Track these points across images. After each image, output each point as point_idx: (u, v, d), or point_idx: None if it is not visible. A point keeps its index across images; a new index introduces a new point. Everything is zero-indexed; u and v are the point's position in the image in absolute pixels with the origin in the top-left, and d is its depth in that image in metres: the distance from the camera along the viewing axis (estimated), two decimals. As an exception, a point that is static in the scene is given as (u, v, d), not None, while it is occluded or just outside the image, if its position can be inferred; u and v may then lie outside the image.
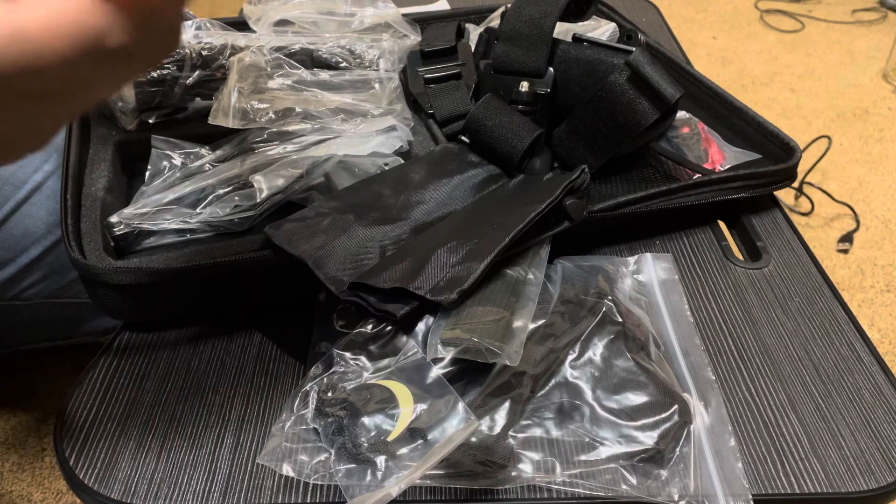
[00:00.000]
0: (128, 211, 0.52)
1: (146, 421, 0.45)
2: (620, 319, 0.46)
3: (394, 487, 0.37)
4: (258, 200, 0.53)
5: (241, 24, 0.69)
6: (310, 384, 0.42)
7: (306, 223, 0.49)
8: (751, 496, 0.40)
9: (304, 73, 0.61)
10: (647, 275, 0.52)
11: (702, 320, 0.51)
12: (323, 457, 0.40)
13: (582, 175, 0.50)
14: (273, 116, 0.58)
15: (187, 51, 0.61)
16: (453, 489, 0.40)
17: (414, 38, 0.68)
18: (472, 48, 0.65)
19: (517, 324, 0.42)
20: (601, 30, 0.75)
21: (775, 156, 0.61)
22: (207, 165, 0.57)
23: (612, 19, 0.80)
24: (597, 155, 0.57)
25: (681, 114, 0.65)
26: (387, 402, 0.40)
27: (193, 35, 0.62)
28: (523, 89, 0.57)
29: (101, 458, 0.43)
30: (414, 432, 0.39)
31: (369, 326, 0.44)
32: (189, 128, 0.61)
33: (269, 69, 0.60)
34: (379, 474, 0.38)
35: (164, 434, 0.44)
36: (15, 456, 1.01)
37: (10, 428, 1.03)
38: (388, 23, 0.69)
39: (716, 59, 1.98)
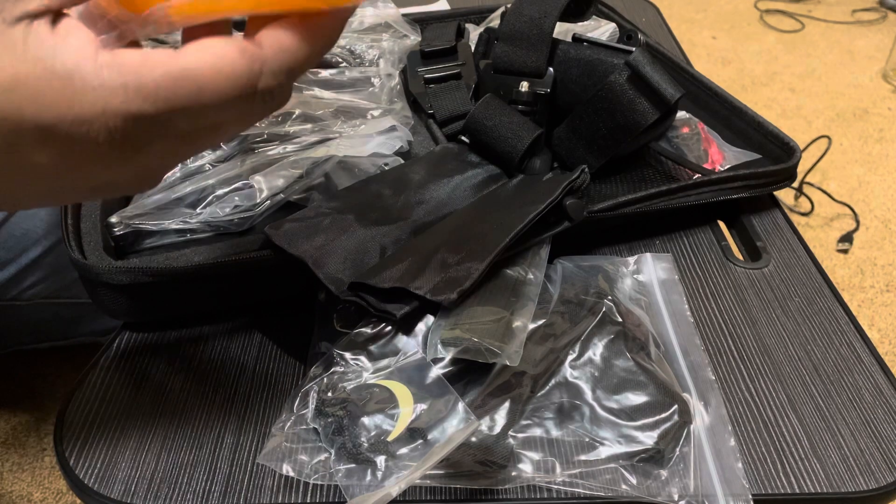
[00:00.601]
0: (128, 211, 0.52)
1: (146, 421, 0.45)
2: (620, 319, 0.46)
3: (394, 487, 0.37)
4: (258, 200, 0.53)
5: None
6: (310, 384, 0.42)
7: (306, 223, 0.49)
8: (751, 496, 0.40)
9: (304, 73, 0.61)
10: (647, 275, 0.52)
11: (702, 320, 0.51)
12: (323, 457, 0.40)
13: (582, 175, 0.50)
14: (273, 119, 0.58)
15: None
16: (453, 489, 0.40)
17: (414, 38, 0.68)
18: (472, 48, 0.65)
19: (517, 324, 0.42)
20: (601, 30, 0.75)
21: (775, 156, 0.61)
22: (207, 165, 0.57)
23: (612, 19, 0.80)
24: (597, 155, 0.57)
25: (681, 114, 0.65)
26: (387, 402, 0.40)
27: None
28: (523, 89, 0.57)
29: (101, 458, 0.43)
30: (414, 432, 0.39)
31: (369, 326, 0.44)
32: (189, 128, 0.61)
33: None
34: (379, 474, 0.38)
35: (164, 434, 0.44)
36: (15, 456, 1.01)
37: (10, 428, 1.03)
38: (388, 23, 0.69)
39: (716, 59, 1.98)
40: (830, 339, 0.49)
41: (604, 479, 0.41)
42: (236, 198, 0.53)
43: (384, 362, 0.42)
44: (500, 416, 0.42)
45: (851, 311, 0.52)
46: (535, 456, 0.41)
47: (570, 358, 0.44)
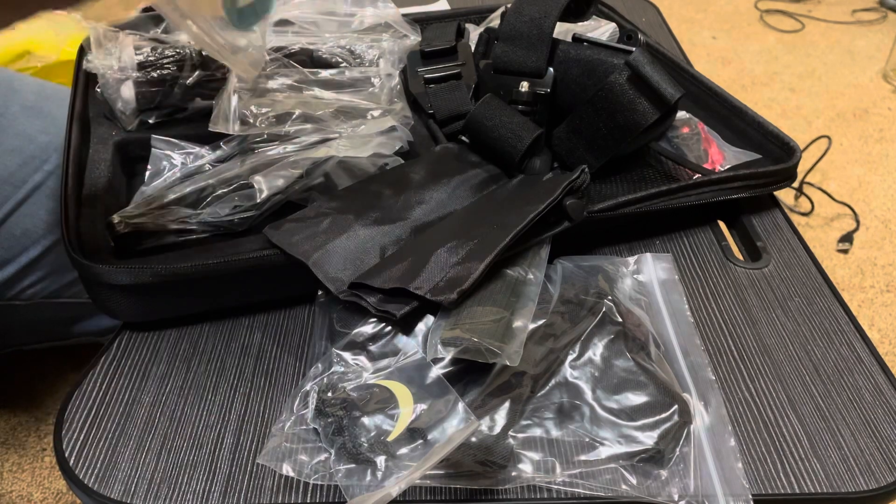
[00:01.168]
0: (128, 211, 0.52)
1: (146, 421, 0.45)
2: (620, 319, 0.46)
3: (394, 487, 0.37)
4: (258, 200, 0.53)
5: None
6: (310, 384, 0.42)
7: (306, 223, 0.49)
8: (751, 496, 0.40)
9: (304, 73, 0.61)
10: (647, 275, 0.52)
11: (702, 320, 0.51)
12: (323, 457, 0.40)
13: (582, 175, 0.50)
14: (273, 120, 0.58)
15: (187, 51, 0.61)
16: (453, 489, 0.40)
17: (414, 38, 0.68)
18: (472, 48, 0.65)
19: (517, 324, 0.42)
20: (601, 30, 0.75)
21: (775, 156, 0.61)
22: (207, 165, 0.57)
23: (612, 19, 0.80)
24: (597, 155, 0.57)
25: (681, 114, 0.65)
26: (387, 402, 0.40)
27: (193, 35, 0.62)
28: (523, 89, 0.57)
29: (101, 458, 0.43)
30: (414, 432, 0.39)
31: (369, 326, 0.44)
32: (189, 128, 0.61)
33: (268, 70, 0.60)
34: (379, 474, 0.38)
35: (164, 434, 0.44)
36: (15, 456, 1.01)
37: (10, 428, 1.03)
38: (388, 23, 0.69)
39: (716, 59, 1.98)
40: (830, 339, 0.49)
41: (604, 479, 0.41)
42: (236, 198, 0.53)
43: (384, 362, 0.42)
44: (500, 416, 0.42)
45: (851, 311, 0.52)
46: (535, 456, 0.41)
47: (570, 358, 0.44)
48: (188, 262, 0.47)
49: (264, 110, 0.58)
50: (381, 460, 0.38)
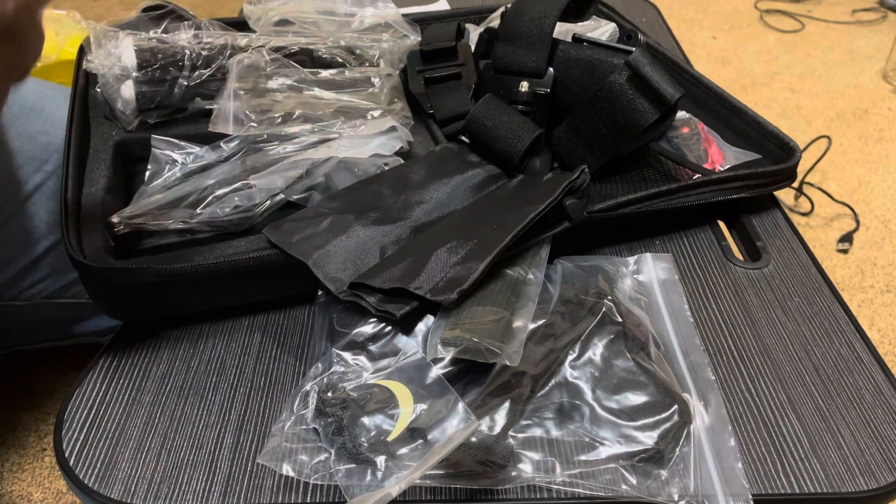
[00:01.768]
0: (128, 211, 0.52)
1: (146, 421, 0.45)
2: (620, 319, 0.46)
3: (394, 487, 0.37)
4: (258, 200, 0.53)
5: (241, 24, 0.69)
6: (310, 384, 0.42)
7: (306, 223, 0.49)
8: (751, 496, 0.40)
9: (304, 73, 0.61)
10: (647, 275, 0.52)
11: (702, 320, 0.51)
12: (323, 457, 0.40)
13: (582, 175, 0.50)
14: (273, 120, 0.58)
15: (187, 51, 0.61)
16: (453, 489, 0.40)
17: (414, 38, 0.68)
18: (472, 48, 0.65)
19: (517, 324, 0.42)
20: (601, 30, 0.75)
21: (775, 156, 0.61)
22: (207, 165, 0.57)
23: (612, 19, 0.79)
24: (597, 155, 0.57)
25: (681, 114, 0.65)
26: (387, 402, 0.40)
27: (193, 35, 0.62)
28: (523, 89, 0.57)
29: (101, 458, 0.43)
30: (414, 432, 0.39)
31: (369, 326, 0.44)
32: (189, 128, 0.61)
33: (268, 70, 0.60)
34: (379, 474, 0.38)
35: (164, 434, 0.44)
36: (15, 456, 1.00)
37: (10, 428, 1.03)
38: (388, 23, 0.69)
39: (716, 59, 1.98)
40: (830, 339, 0.49)
41: (604, 479, 0.41)
42: (236, 198, 0.53)
43: (384, 362, 0.42)
44: (500, 416, 0.42)
45: (851, 311, 0.52)
46: (535, 456, 0.41)
47: (570, 358, 0.44)
48: (188, 262, 0.47)
49: (264, 110, 0.58)
50: (381, 460, 0.38)
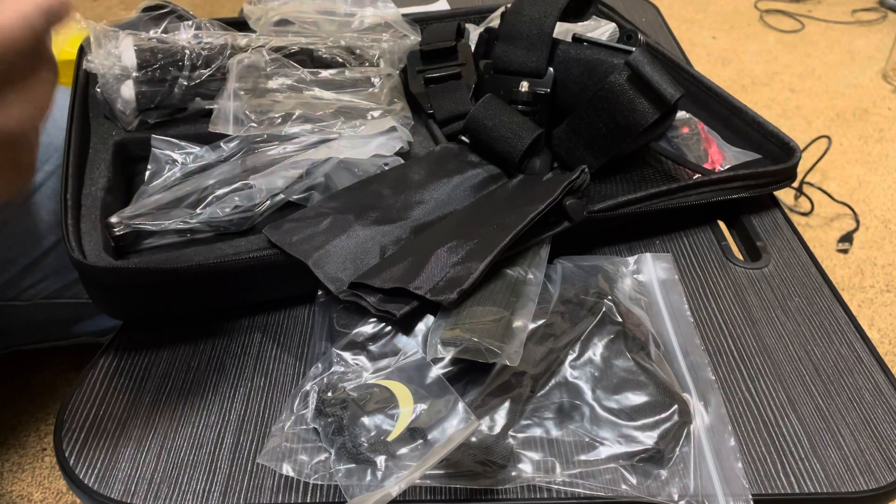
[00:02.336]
0: (128, 211, 0.52)
1: (146, 421, 0.45)
2: (620, 319, 0.46)
3: (394, 487, 0.37)
4: (258, 200, 0.53)
5: (241, 24, 0.69)
6: (310, 384, 0.42)
7: (306, 223, 0.49)
8: (751, 496, 0.40)
9: (304, 73, 0.61)
10: (647, 275, 0.52)
11: (702, 320, 0.51)
12: (323, 457, 0.40)
13: (582, 175, 0.50)
14: (273, 120, 0.58)
15: (187, 51, 0.61)
16: (453, 489, 0.40)
17: (414, 38, 0.68)
18: (472, 48, 0.65)
19: (517, 324, 0.42)
20: (601, 30, 0.75)
21: (775, 156, 0.61)
22: (207, 165, 0.57)
23: (612, 19, 0.80)
24: (597, 155, 0.57)
25: (681, 114, 0.65)
26: (387, 402, 0.40)
27: (193, 35, 0.62)
28: (523, 89, 0.57)
29: (101, 458, 0.43)
30: (414, 432, 0.39)
31: (369, 326, 0.44)
32: (189, 128, 0.61)
33: (268, 70, 0.60)
34: (379, 474, 0.38)
35: (164, 434, 0.44)
36: (15, 456, 1.00)
37: (10, 428, 1.03)
38: (388, 23, 0.69)
39: (716, 59, 1.98)
40: (830, 339, 0.49)
41: (604, 479, 0.41)
42: (236, 198, 0.53)
43: (384, 362, 0.42)
44: (500, 416, 0.42)
45: (851, 311, 0.52)
46: (535, 456, 0.41)
47: (570, 358, 0.44)
48: (188, 262, 0.47)
49: (264, 110, 0.58)
50: (381, 460, 0.38)
